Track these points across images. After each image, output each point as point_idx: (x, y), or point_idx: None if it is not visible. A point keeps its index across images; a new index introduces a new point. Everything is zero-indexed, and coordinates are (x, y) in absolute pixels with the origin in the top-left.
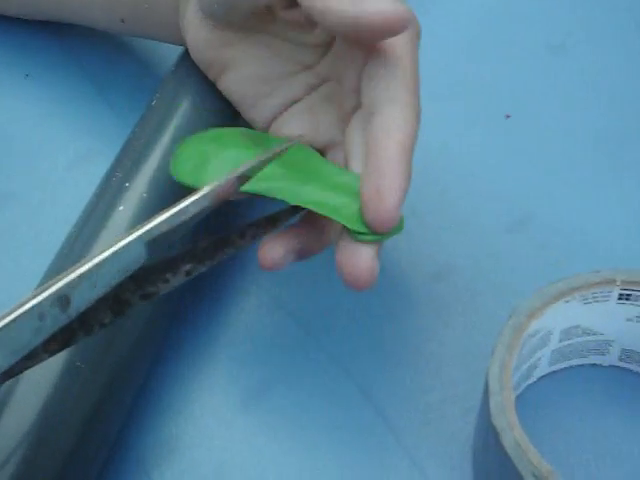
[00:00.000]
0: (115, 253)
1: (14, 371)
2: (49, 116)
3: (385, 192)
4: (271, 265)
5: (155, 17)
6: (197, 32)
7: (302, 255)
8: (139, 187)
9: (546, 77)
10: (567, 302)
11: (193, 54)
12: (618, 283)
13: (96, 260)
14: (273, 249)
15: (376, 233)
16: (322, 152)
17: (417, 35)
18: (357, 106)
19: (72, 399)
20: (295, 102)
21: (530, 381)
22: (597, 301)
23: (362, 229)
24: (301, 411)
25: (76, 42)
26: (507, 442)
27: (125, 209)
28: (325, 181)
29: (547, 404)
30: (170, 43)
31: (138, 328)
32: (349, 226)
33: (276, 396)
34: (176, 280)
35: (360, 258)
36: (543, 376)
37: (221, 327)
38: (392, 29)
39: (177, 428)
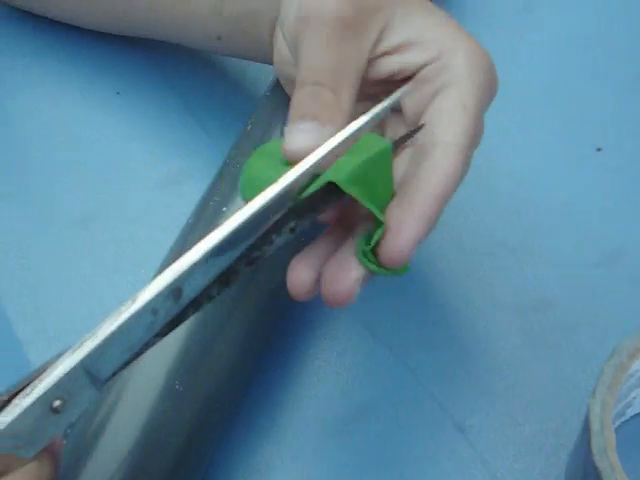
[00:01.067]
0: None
1: (127, 362)
2: (140, 134)
3: (404, 232)
4: (299, 292)
5: (253, 35)
6: (280, 49)
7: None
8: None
9: (635, 109)
10: None
11: (277, 71)
12: None
13: (209, 246)
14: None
15: (380, 265)
16: None
17: (489, 87)
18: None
19: (169, 423)
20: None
21: (623, 419)
22: None
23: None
24: (392, 441)
25: (166, 60)
26: None
27: None
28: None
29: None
30: (265, 63)
31: (234, 353)
32: (379, 217)
33: (367, 424)
34: (281, 239)
35: (347, 275)
36: (636, 414)
37: (311, 352)
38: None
39: (266, 453)
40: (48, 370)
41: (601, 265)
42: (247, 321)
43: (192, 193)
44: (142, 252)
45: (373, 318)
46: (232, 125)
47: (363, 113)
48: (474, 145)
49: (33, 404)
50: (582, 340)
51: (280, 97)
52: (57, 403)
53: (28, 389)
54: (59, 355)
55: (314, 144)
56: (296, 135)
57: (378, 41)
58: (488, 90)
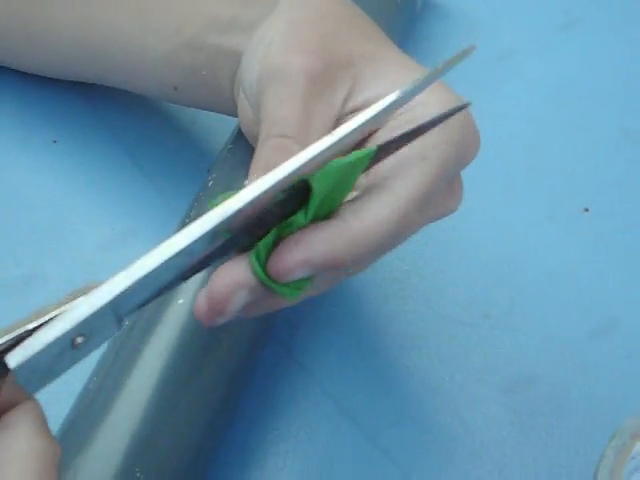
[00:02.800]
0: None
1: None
2: (80, 188)
3: (298, 253)
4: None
5: (212, 86)
6: (244, 109)
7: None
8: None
9: (624, 166)
10: None
11: (244, 131)
12: None
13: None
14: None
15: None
16: None
17: (463, 142)
18: None
19: None
20: None
21: None
22: None
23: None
24: None
25: (108, 107)
26: None
27: (184, 302)
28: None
29: None
30: (224, 114)
31: (196, 432)
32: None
33: None
34: None
35: (230, 273)
36: None
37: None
38: None
39: None
40: (71, 304)
41: (593, 337)
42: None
43: (140, 254)
44: None
45: (343, 393)
46: (184, 179)
47: None
48: (429, 203)
49: (57, 339)
50: (575, 419)
51: (244, 149)
52: (79, 340)
53: (50, 322)
54: (81, 290)
55: None
56: None
57: (347, 98)
58: (462, 145)
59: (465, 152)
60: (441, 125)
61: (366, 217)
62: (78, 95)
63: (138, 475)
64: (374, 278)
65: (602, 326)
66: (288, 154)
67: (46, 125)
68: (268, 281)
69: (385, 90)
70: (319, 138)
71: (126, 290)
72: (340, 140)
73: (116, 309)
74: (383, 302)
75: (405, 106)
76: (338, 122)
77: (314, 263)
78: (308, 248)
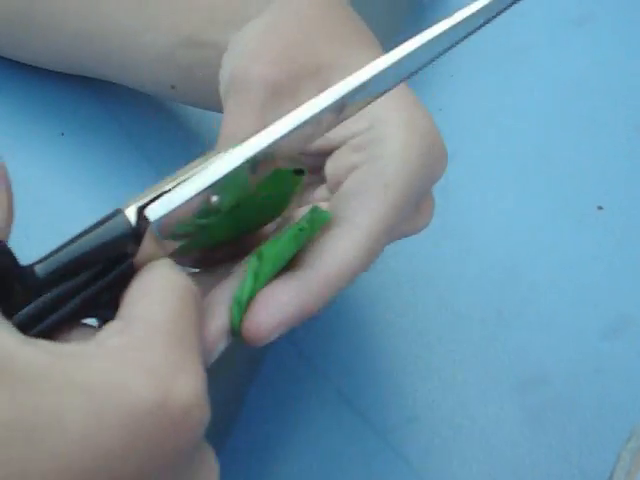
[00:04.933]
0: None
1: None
2: (87, 179)
3: (271, 313)
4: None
5: (209, 85)
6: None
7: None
8: None
9: (638, 163)
10: None
11: None
12: None
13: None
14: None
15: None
16: None
17: (428, 165)
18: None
19: None
20: None
21: None
22: None
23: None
24: None
25: (115, 99)
26: None
27: None
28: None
29: None
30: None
31: None
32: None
33: None
34: None
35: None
36: None
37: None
38: None
39: None
40: (208, 162)
41: (606, 335)
42: None
43: None
44: None
45: (355, 391)
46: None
47: None
48: (394, 230)
49: (195, 195)
50: (589, 419)
51: None
52: (215, 199)
53: (187, 181)
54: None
55: None
56: None
57: None
58: (427, 168)
59: (431, 172)
60: (404, 150)
61: (333, 261)
62: (85, 88)
63: None
64: (386, 276)
65: (615, 325)
66: None
67: (53, 118)
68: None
69: None
70: None
71: (265, 148)
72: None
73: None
74: (395, 299)
75: (362, 121)
76: None
77: (289, 321)
78: (280, 310)
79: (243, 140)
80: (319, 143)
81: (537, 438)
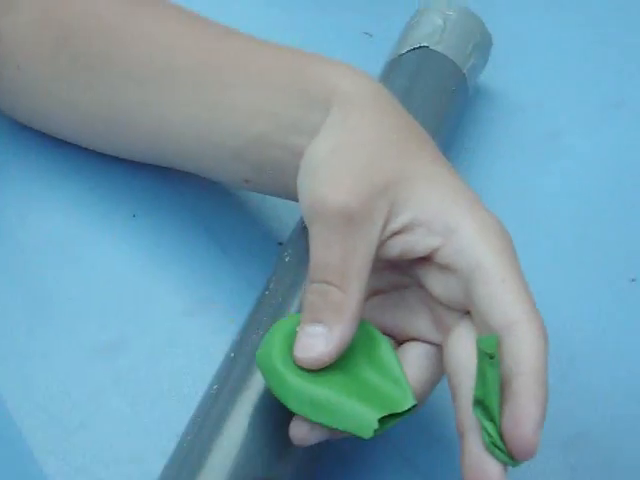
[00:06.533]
0: None
1: None
2: (159, 260)
3: (526, 423)
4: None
5: (280, 181)
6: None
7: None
8: None
9: None
10: None
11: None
12: None
13: None
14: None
15: (514, 459)
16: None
17: (510, 247)
18: (455, 316)
19: None
20: (382, 293)
21: None
22: None
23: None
24: None
25: (184, 181)
26: None
27: None
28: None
29: None
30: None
31: None
32: (361, 435)
33: None
34: None
35: (495, 477)
36: None
37: None
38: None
39: None
40: None
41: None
42: None
43: (218, 322)
44: (171, 381)
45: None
46: (256, 252)
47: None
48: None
49: None
50: (631, 473)
51: None
52: None
53: None
54: None
55: (324, 350)
56: (305, 341)
57: (386, 224)
58: (510, 250)
59: (513, 250)
60: (489, 246)
61: (528, 351)
62: (155, 170)
63: None
64: None
65: None
66: (332, 301)
67: (126, 200)
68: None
69: (419, 213)
70: (361, 278)
71: None
72: None
73: None
74: None
75: (439, 238)
76: (380, 248)
77: (543, 414)
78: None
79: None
80: (399, 250)
81: None
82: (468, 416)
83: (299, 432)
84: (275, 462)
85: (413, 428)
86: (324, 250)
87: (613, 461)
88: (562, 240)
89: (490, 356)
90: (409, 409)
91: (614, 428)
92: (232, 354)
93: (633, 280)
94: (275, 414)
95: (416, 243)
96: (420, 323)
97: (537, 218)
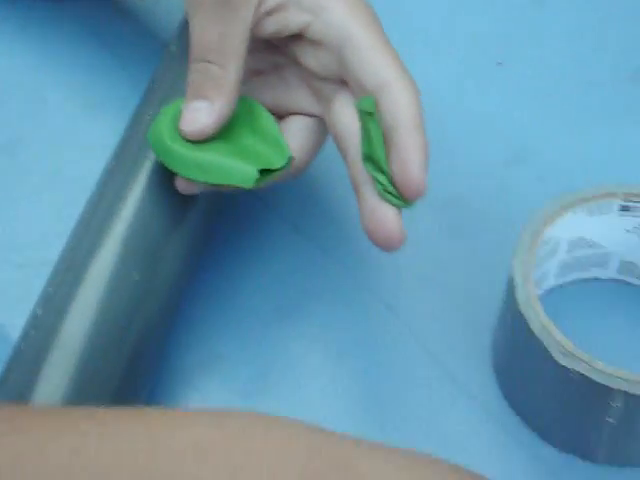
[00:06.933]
0: None
1: None
2: (49, 65)
3: (412, 167)
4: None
5: None
6: None
7: None
8: None
9: (532, 26)
10: (575, 213)
11: None
12: (619, 195)
13: None
14: None
15: (405, 201)
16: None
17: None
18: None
19: (126, 314)
20: (263, 74)
21: (539, 292)
22: (601, 213)
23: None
24: (333, 326)
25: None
26: (535, 327)
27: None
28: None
29: (552, 316)
30: None
31: (187, 248)
32: (243, 185)
33: (308, 310)
34: None
35: (393, 221)
36: (550, 289)
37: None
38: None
39: (214, 343)
40: None
41: (509, 164)
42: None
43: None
44: (70, 173)
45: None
46: (146, 55)
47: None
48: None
49: None
50: (495, 230)
51: None
52: None
53: None
54: None
55: (206, 122)
56: (189, 115)
57: (260, 2)
58: (378, 24)
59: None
60: (358, 18)
61: (405, 103)
62: None
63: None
64: None
65: (516, 155)
66: (213, 77)
67: (13, 12)
68: (405, 204)
69: None
70: (239, 55)
71: None
72: None
73: None
74: None
75: (309, 15)
76: (256, 28)
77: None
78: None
79: None
80: (273, 29)
81: (453, 245)
82: (360, 172)
83: (182, 183)
84: (170, 230)
85: (301, 198)
86: (203, 32)
87: (485, 219)
88: (433, 32)
89: (370, 114)
90: (285, 164)
91: (486, 190)
92: (126, 134)
93: (500, 64)
94: (167, 184)
95: (289, 20)
96: (300, 98)
97: (406, 9)
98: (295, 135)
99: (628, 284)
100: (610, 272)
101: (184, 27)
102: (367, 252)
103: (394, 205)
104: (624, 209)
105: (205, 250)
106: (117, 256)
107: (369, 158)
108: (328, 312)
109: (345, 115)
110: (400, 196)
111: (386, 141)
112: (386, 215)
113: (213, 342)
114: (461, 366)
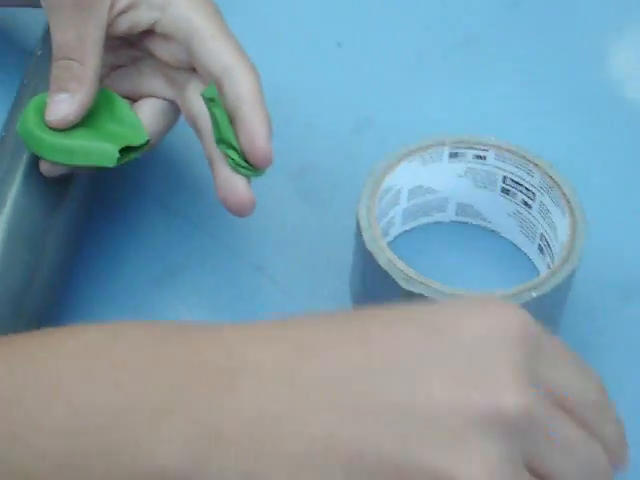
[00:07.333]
0: None
1: None
2: None
3: (258, 138)
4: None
5: None
6: None
7: None
8: None
9: (369, 9)
10: (411, 162)
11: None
12: (448, 143)
13: None
14: None
15: (256, 170)
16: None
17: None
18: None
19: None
20: (122, 67)
21: (387, 239)
22: (433, 160)
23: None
24: (206, 290)
25: None
26: (382, 261)
27: None
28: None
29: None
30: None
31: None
32: (107, 164)
33: (182, 279)
34: None
35: (243, 189)
36: (397, 235)
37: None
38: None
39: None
40: None
41: (354, 132)
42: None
43: None
44: None
45: (166, 192)
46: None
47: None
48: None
49: None
50: (345, 189)
51: None
52: None
53: None
54: None
55: (69, 111)
56: (54, 106)
57: (113, 3)
58: (218, 15)
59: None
60: (198, 11)
61: (246, 83)
62: None
63: None
64: None
65: (359, 123)
66: (74, 72)
67: None
68: (255, 173)
69: None
70: (96, 52)
71: None
72: None
73: None
74: None
75: (157, 11)
76: (110, 27)
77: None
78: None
79: None
80: (126, 27)
81: (306, 210)
82: (213, 150)
83: (45, 165)
84: (51, 213)
85: (168, 178)
86: (63, 33)
87: (336, 181)
88: (276, 19)
89: (212, 100)
90: (143, 144)
91: (335, 156)
92: (4, 131)
93: (339, 44)
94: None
95: (140, 18)
96: (154, 84)
97: None
98: (149, 114)
99: (466, 224)
100: (449, 215)
101: (47, 32)
102: (234, 221)
103: (246, 175)
104: (453, 156)
105: (85, 230)
106: (4, 240)
107: (220, 140)
108: (202, 279)
109: (197, 100)
110: (250, 166)
111: (233, 119)
112: (237, 185)
113: (95, 313)
114: (325, 307)
